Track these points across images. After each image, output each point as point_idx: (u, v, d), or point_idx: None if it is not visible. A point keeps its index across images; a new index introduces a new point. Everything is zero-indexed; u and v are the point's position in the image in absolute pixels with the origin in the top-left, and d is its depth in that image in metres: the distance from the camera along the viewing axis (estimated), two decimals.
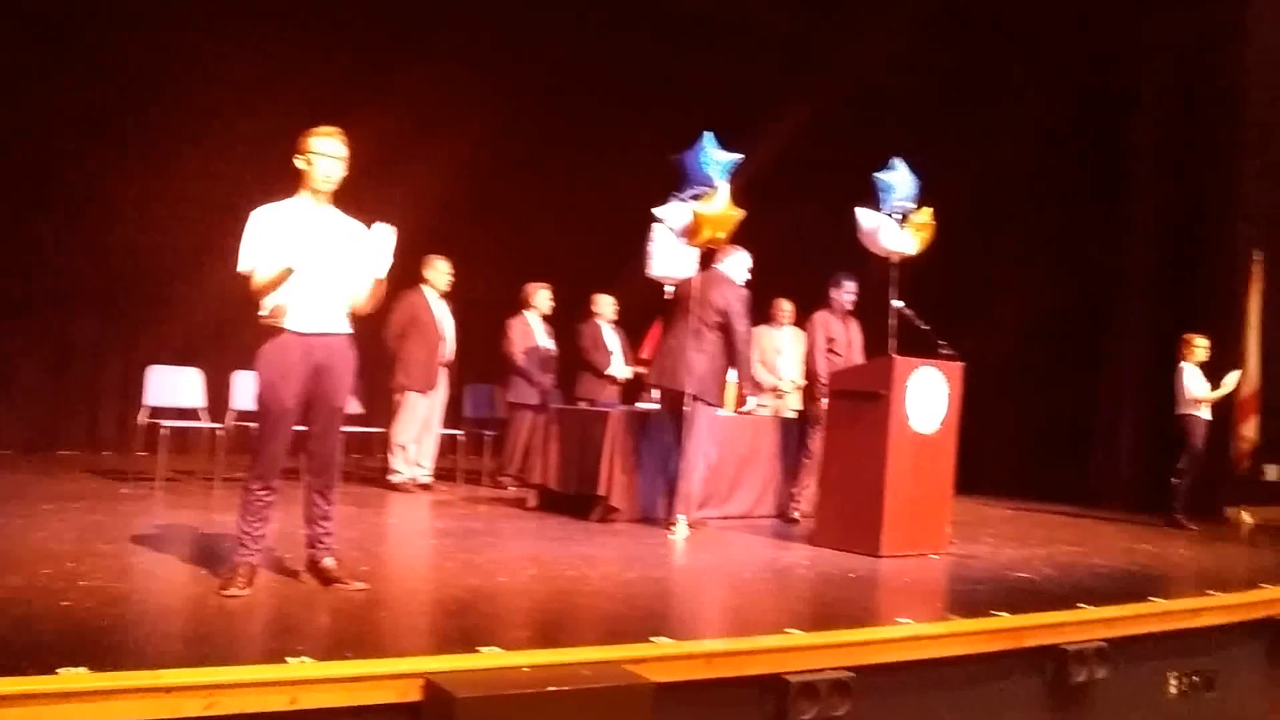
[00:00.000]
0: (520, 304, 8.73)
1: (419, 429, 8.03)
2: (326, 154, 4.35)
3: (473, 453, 9.09)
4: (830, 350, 7.53)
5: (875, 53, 10.79)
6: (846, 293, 7.68)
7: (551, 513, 7.21)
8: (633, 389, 8.63)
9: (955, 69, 11.26)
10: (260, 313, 4.37)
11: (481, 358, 8.90)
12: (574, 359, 8.78)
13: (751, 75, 10.95)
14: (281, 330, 4.32)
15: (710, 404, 6.78)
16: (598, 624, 4.39)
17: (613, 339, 8.76)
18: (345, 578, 4.46)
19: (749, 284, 7.06)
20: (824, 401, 6.97)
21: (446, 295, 8.23)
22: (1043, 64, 11.06)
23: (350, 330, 4.49)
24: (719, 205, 6.49)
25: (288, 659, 3.33)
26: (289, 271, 4.23)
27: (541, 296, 8.72)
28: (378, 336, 8.20)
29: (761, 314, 9.22)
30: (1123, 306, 10.62)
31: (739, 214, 6.58)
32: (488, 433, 9.00)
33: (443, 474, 8.71)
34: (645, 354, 8.53)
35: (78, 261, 8.90)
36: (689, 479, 6.70)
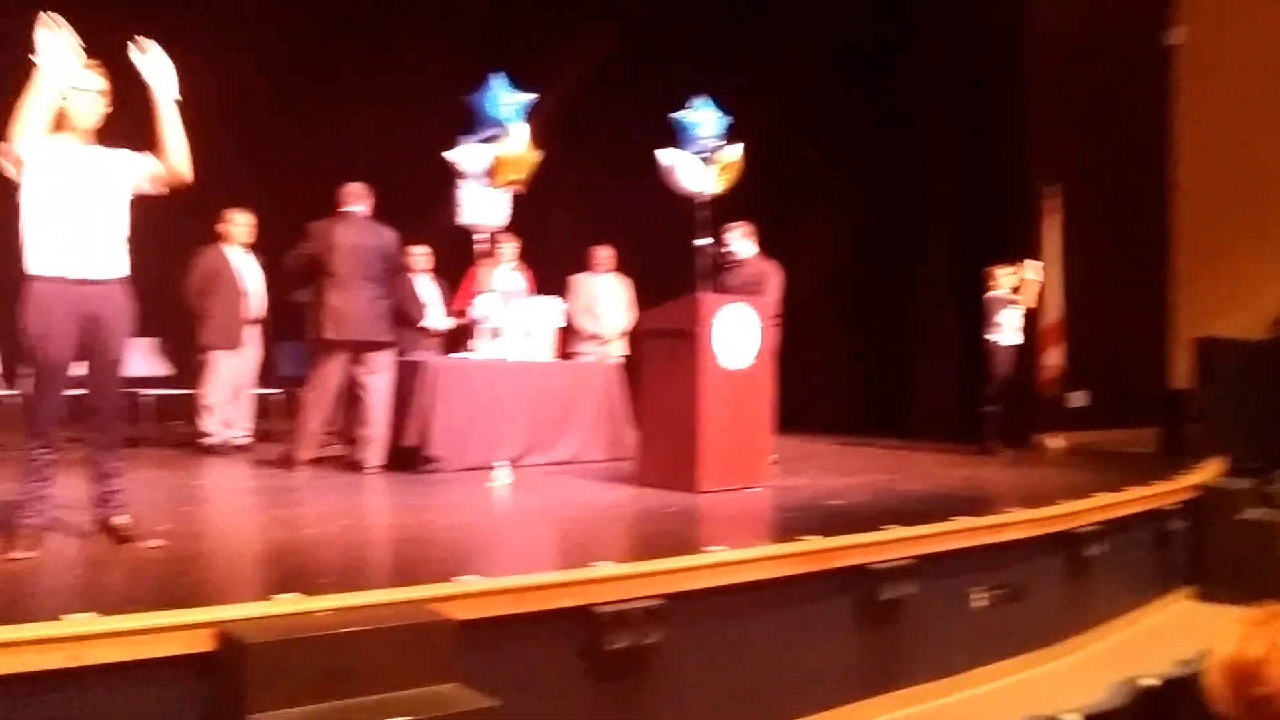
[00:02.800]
0: None
1: (229, 389, 7.74)
2: (84, 88, 4.10)
3: (292, 413, 8.78)
4: None
5: None
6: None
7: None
8: (453, 341, 8.49)
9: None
10: (26, 267, 4.10)
11: (298, 314, 8.60)
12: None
13: (540, 10, 10.71)
14: (48, 278, 4.06)
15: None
16: (406, 569, 4.31)
17: (428, 290, 8.57)
18: (139, 535, 4.27)
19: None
20: None
21: (253, 249, 7.92)
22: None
23: (125, 275, 4.25)
24: (518, 146, 6.41)
25: (68, 616, 3.16)
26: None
27: None
28: (183, 294, 7.89)
29: (580, 262, 9.20)
30: (925, 239, 10.86)
31: (537, 155, 6.52)
32: None
33: (264, 435, 8.44)
34: (459, 305, 8.41)
35: None
36: None
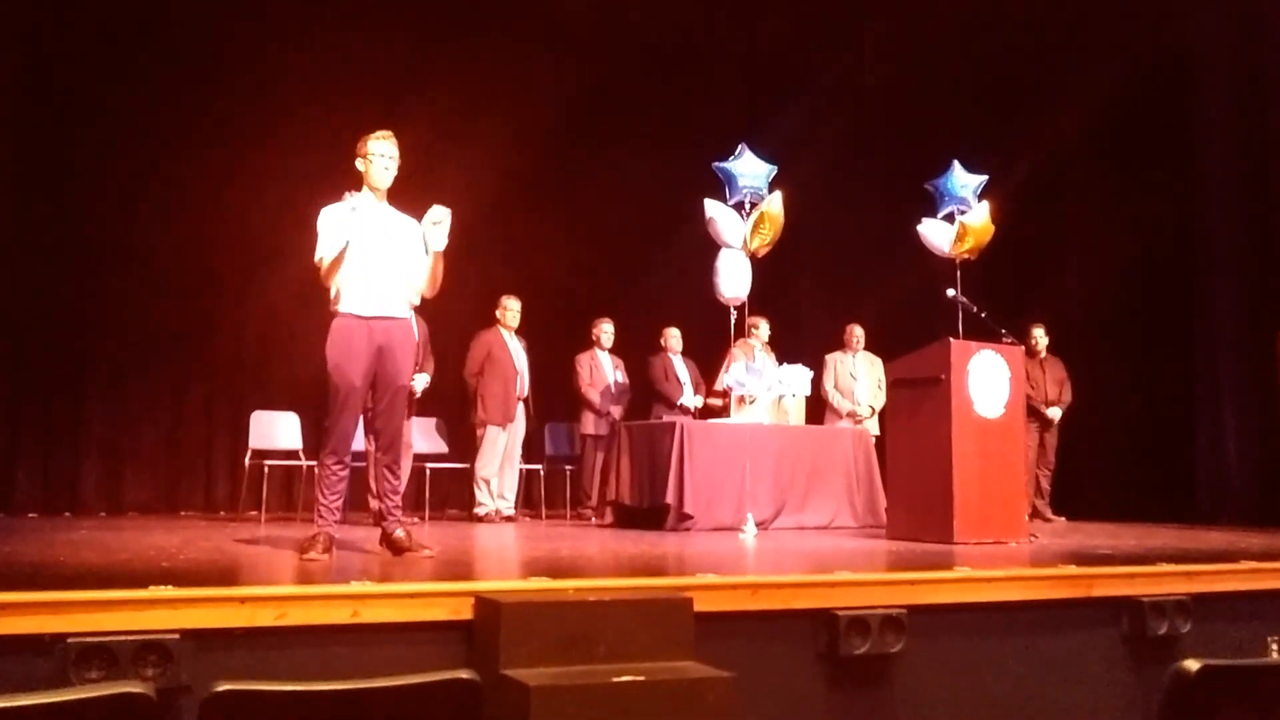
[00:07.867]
0: (588, 340, 9.02)
1: (500, 462, 8.27)
2: (381, 154, 4.68)
3: (555, 488, 9.22)
4: None
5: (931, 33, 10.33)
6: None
7: (627, 527, 7.32)
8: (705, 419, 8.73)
9: (1013, 42, 10.62)
10: (332, 304, 4.67)
11: (561, 395, 9.11)
12: (646, 390, 8.97)
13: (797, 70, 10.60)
14: (346, 314, 4.61)
15: None
16: (648, 570, 4.49)
17: (682, 370, 8.94)
18: (415, 546, 4.67)
19: None
20: None
21: (520, 332, 8.53)
22: (1103, 31, 10.25)
23: (409, 315, 4.75)
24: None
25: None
26: (345, 248, 4.53)
27: (605, 331, 8.99)
28: (460, 376, 8.49)
29: (836, 340, 9.32)
30: (1205, 299, 9.84)
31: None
32: (568, 467, 9.15)
33: (526, 510, 8.93)
34: (718, 384, 8.64)
35: (184, 323, 8.93)
36: None
